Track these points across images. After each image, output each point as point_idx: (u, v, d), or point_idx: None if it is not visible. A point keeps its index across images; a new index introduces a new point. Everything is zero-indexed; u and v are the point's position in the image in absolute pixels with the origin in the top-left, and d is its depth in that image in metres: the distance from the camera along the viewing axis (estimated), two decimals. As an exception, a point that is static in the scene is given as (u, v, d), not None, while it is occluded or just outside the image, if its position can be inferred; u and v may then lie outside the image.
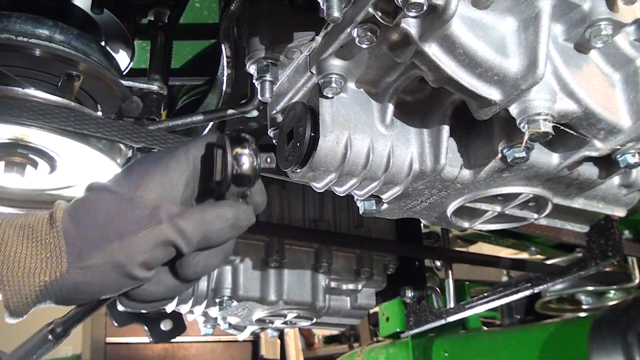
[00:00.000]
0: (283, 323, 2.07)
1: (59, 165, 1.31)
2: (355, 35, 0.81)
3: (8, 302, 0.74)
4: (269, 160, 0.84)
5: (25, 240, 0.74)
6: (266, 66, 0.98)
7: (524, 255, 2.89)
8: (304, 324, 2.10)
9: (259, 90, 1.00)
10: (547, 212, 1.05)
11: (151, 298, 0.83)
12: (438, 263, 2.32)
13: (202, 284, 1.85)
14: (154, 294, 0.82)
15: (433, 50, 0.78)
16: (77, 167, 1.33)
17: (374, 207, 1.03)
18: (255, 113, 1.29)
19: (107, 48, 1.37)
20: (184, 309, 1.92)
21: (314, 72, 0.91)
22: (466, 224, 1.10)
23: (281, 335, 5.45)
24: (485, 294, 1.96)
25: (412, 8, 0.73)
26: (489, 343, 2.19)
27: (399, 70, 0.89)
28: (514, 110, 0.81)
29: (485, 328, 2.58)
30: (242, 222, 0.82)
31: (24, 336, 0.84)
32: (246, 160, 0.79)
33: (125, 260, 0.75)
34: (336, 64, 0.89)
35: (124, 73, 1.43)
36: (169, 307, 1.89)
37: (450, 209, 1.04)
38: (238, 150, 0.80)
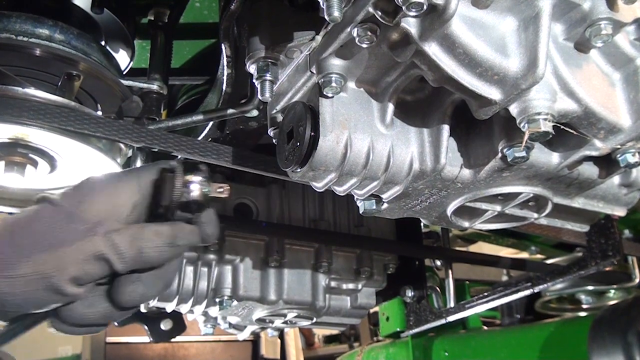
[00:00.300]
0: (283, 323, 2.07)
1: (59, 165, 1.31)
2: (355, 34, 0.81)
3: None
4: (220, 190, 0.85)
5: None
6: (266, 66, 0.98)
7: (524, 255, 2.89)
8: (304, 323, 2.09)
9: (259, 89, 1.00)
10: (547, 211, 1.05)
11: (82, 321, 0.79)
12: (438, 262, 2.32)
13: (202, 284, 1.85)
14: (86, 317, 0.79)
15: (433, 49, 0.78)
16: (77, 166, 1.33)
17: (374, 207, 1.03)
18: (255, 113, 1.29)
19: (107, 48, 1.37)
20: (184, 308, 1.92)
21: (314, 71, 0.91)
22: (466, 224, 1.10)
23: (281, 334, 5.45)
24: (485, 294, 1.96)
25: (412, 7, 0.73)
26: (489, 343, 2.19)
27: (399, 70, 0.89)
28: (514, 109, 0.81)
29: (485, 327, 2.58)
30: (181, 241, 0.80)
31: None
32: (195, 187, 0.82)
33: (53, 272, 0.72)
34: (336, 63, 0.89)
35: (124, 73, 1.43)
36: (170, 307, 1.89)
37: (450, 209, 1.04)
38: (189, 177, 0.82)
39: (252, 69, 1.01)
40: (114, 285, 0.78)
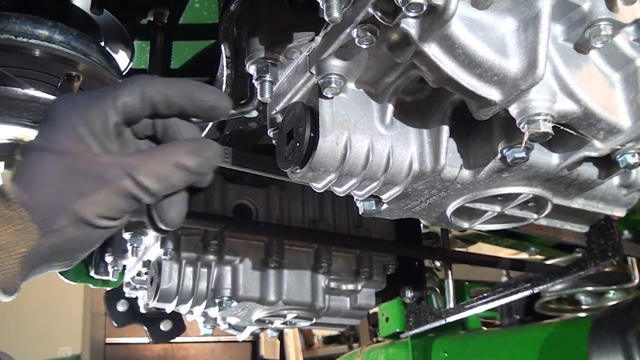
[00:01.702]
0: (283, 323, 2.07)
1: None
2: (354, 35, 0.81)
3: None
4: None
5: None
6: (266, 66, 0.98)
7: (524, 256, 2.89)
8: (304, 324, 2.10)
9: (258, 90, 1.00)
10: (546, 212, 1.05)
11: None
12: (438, 263, 2.32)
13: (202, 285, 1.85)
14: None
15: (433, 50, 0.78)
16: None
17: (374, 208, 1.03)
18: (254, 113, 1.29)
19: (107, 48, 1.37)
20: (183, 309, 1.92)
21: (314, 72, 0.91)
22: (466, 224, 1.10)
23: (281, 335, 5.45)
24: (485, 294, 1.96)
25: (411, 8, 0.73)
26: (488, 343, 2.19)
27: (398, 71, 0.89)
28: (513, 110, 0.81)
29: (484, 328, 2.58)
30: (204, 168, 0.82)
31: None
32: None
33: (90, 217, 0.76)
34: (336, 64, 0.89)
35: (124, 73, 1.43)
36: (169, 308, 1.89)
37: (450, 209, 1.04)
38: None
39: (251, 69, 1.01)
40: (154, 212, 0.83)
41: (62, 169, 0.76)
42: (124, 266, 2.05)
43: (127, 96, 0.80)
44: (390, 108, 0.93)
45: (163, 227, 0.85)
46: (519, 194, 1.00)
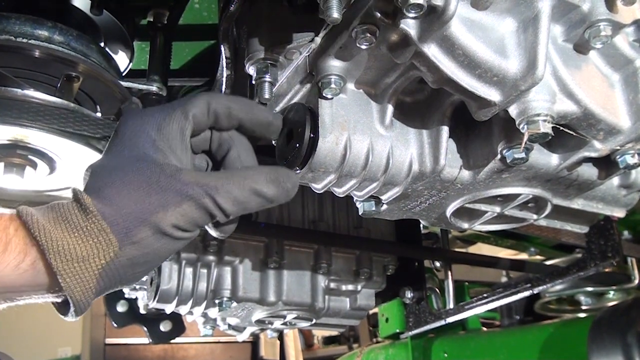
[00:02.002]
0: (282, 324, 2.07)
1: (58, 167, 1.31)
2: (354, 36, 0.81)
3: (73, 293, 0.75)
4: None
5: (67, 233, 0.75)
6: (265, 67, 0.98)
7: (524, 256, 2.89)
8: (304, 324, 2.09)
9: (258, 91, 1.00)
10: (546, 212, 1.05)
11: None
12: (437, 264, 2.32)
13: (202, 285, 1.85)
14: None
15: (432, 51, 0.78)
16: (77, 168, 1.32)
17: (374, 208, 1.03)
18: (254, 114, 1.28)
19: (107, 49, 1.37)
20: (183, 310, 1.92)
21: (314, 73, 0.91)
22: (465, 225, 1.10)
23: (280, 336, 5.44)
24: (485, 295, 1.96)
25: (411, 9, 0.73)
26: (488, 344, 2.19)
27: (398, 71, 0.89)
28: (513, 111, 0.81)
29: (484, 329, 2.58)
30: (281, 199, 0.84)
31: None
32: None
33: (171, 230, 0.78)
34: (335, 64, 0.89)
35: (123, 74, 1.43)
36: (169, 308, 1.89)
37: (449, 210, 1.04)
38: None
39: (251, 70, 1.01)
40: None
41: (145, 183, 0.78)
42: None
43: (196, 108, 0.83)
44: (390, 109, 0.93)
45: (216, 235, 0.90)
46: (518, 195, 1.00)
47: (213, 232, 0.89)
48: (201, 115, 0.84)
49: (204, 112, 0.84)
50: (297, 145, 0.90)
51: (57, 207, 0.77)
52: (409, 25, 0.77)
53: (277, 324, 2.06)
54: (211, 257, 1.84)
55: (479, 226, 1.11)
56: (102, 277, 0.76)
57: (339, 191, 0.98)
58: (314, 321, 2.06)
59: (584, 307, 2.86)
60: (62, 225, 0.75)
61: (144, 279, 1.92)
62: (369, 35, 0.80)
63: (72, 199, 0.78)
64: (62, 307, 0.80)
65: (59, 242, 0.74)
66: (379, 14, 0.78)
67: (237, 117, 0.86)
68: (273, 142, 1.03)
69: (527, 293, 1.82)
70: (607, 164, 0.97)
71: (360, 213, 1.05)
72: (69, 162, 1.30)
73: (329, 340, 6.00)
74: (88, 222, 0.75)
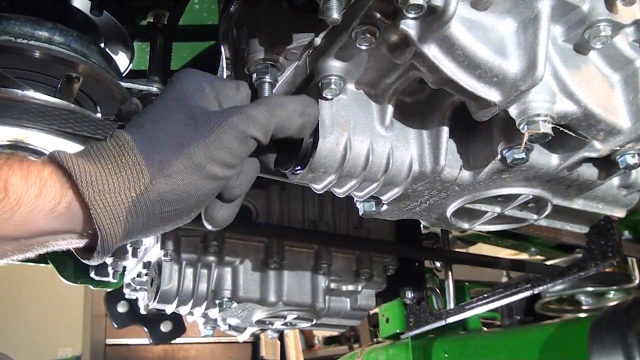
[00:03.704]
0: (283, 324, 2.07)
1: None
2: (354, 36, 0.81)
3: (101, 223, 0.74)
4: None
5: (99, 165, 0.75)
6: (265, 67, 0.98)
7: (524, 256, 2.89)
8: (304, 325, 2.09)
9: (258, 91, 1.00)
10: (546, 213, 1.05)
11: (237, 194, 0.88)
12: (438, 264, 2.32)
13: (202, 286, 1.85)
14: (239, 190, 0.87)
15: (432, 51, 0.78)
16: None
17: (374, 209, 1.03)
18: (254, 114, 1.28)
19: (107, 50, 1.37)
20: (183, 310, 1.92)
21: (314, 73, 0.91)
22: (466, 225, 1.10)
23: (281, 336, 5.45)
24: (485, 295, 1.96)
25: (411, 9, 0.73)
26: (488, 344, 2.19)
27: (398, 72, 0.89)
28: (513, 111, 0.81)
29: (485, 329, 2.58)
30: (309, 109, 0.86)
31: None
32: None
33: (204, 160, 0.77)
34: (335, 65, 0.89)
35: (124, 75, 1.43)
36: (169, 309, 1.89)
37: (449, 210, 1.04)
38: None
39: (251, 70, 1.01)
40: (204, 209, 0.86)
41: (185, 117, 0.79)
42: (124, 267, 2.05)
43: (256, 110, 0.83)
44: (390, 109, 0.93)
45: (208, 226, 0.89)
46: (518, 195, 1.00)
47: (207, 224, 0.88)
48: (262, 119, 0.83)
49: (266, 119, 0.83)
50: (297, 145, 0.91)
51: (93, 146, 0.77)
52: (409, 25, 0.77)
53: (278, 324, 2.06)
54: (211, 258, 1.84)
55: (479, 226, 1.11)
56: (132, 213, 0.75)
57: (339, 192, 0.98)
58: (314, 321, 2.06)
59: (584, 307, 2.86)
60: (97, 159, 0.75)
61: (144, 279, 1.92)
62: (368, 35, 0.80)
63: (110, 136, 0.78)
64: (87, 252, 0.79)
65: (92, 174, 0.73)
66: (378, 15, 0.78)
67: (288, 129, 0.86)
68: (273, 142, 1.03)
69: (527, 293, 1.81)
70: (607, 164, 0.97)
71: (360, 213, 1.05)
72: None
73: (329, 341, 6.00)
74: (124, 155, 0.75)
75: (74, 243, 0.78)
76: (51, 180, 0.73)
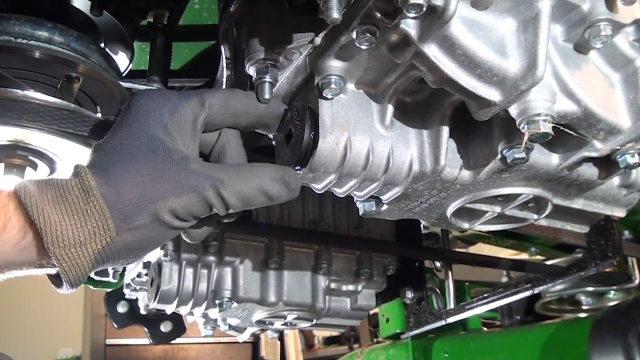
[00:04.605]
0: (283, 324, 2.07)
1: (58, 167, 1.31)
2: (354, 36, 0.81)
3: (67, 276, 0.76)
4: None
5: (65, 215, 0.74)
6: (265, 67, 0.98)
7: (524, 256, 2.89)
8: (304, 325, 2.09)
9: (258, 91, 1.00)
10: (547, 212, 1.05)
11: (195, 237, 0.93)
12: (438, 264, 2.32)
13: (202, 286, 1.85)
14: (196, 235, 0.92)
15: (432, 51, 0.78)
16: (77, 168, 1.32)
17: (374, 208, 1.03)
18: (254, 114, 1.28)
19: (107, 50, 1.37)
20: (183, 310, 1.92)
21: (314, 73, 0.91)
22: (466, 225, 1.10)
23: (281, 336, 5.44)
24: (485, 295, 1.96)
25: (411, 9, 0.73)
26: (489, 344, 2.19)
27: (398, 71, 0.89)
28: (513, 111, 0.81)
29: (485, 329, 2.58)
30: (275, 190, 0.84)
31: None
32: None
33: (170, 219, 0.78)
34: (335, 65, 0.89)
35: (124, 74, 1.43)
36: (169, 309, 1.89)
37: (450, 210, 1.04)
38: None
39: (251, 70, 1.01)
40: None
41: (150, 167, 0.78)
42: (124, 267, 2.05)
43: (214, 98, 0.84)
44: (390, 109, 0.93)
45: (186, 239, 0.91)
46: (519, 195, 1.00)
47: (185, 238, 0.90)
48: (218, 107, 0.84)
49: (221, 104, 0.84)
50: (297, 145, 0.91)
51: (57, 184, 0.76)
52: (409, 25, 0.77)
53: (278, 324, 2.06)
54: (211, 258, 1.84)
55: (480, 226, 1.11)
56: (97, 261, 0.76)
57: (339, 191, 0.98)
58: (314, 321, 2.06)
59: (584, 307, 2.86)
60: (62, 205, 0.74)
61: (144, 279, 1.92)
62: (369, 35, 0.80)
63: (73, 174, 0.77)
64: (57, 281, 0.80)
65: (57, 226, 0.73)
66: (379, 14, 0.78)
67: (253, 114, 0.87)
68: (273, 142, 1.03)
69: (527, 293, 1.81)
70: (607, 164, 0.97)
71: (360, 213, 1.05)
72: (69, 163, 1.30)
73: (329, 341, 6.00)
74: (89, 204, 0.75)
75: (44, 271, 0.80)
76: (15, 216, 0.74)
